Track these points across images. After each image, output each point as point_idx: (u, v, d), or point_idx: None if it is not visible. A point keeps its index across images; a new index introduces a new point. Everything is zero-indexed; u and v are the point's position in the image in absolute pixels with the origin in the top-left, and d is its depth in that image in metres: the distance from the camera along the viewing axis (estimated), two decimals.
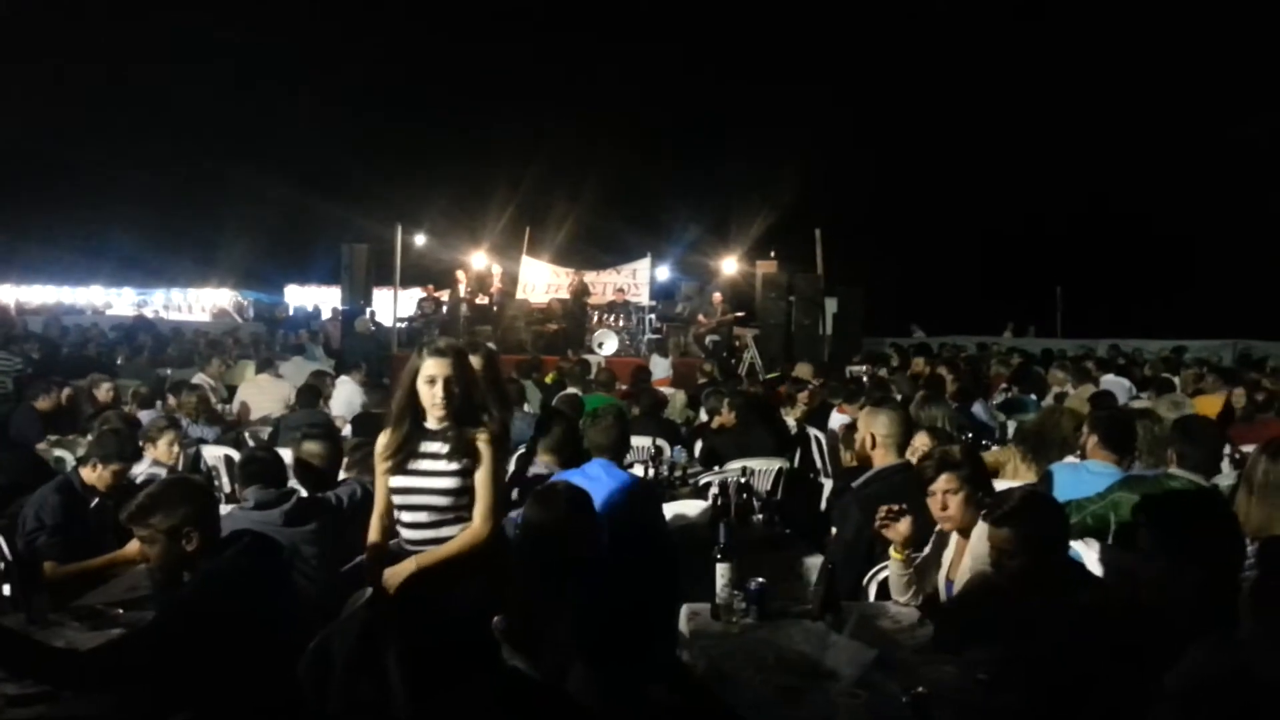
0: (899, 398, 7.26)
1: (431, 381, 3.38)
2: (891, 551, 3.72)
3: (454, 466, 3.36)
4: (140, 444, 5.45)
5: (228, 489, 6.72)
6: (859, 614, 3.43)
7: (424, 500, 3.39)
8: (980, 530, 3.42)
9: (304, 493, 4.43)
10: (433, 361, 3.40)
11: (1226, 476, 5.69)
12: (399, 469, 3.42)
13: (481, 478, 3.38)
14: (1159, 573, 2.51)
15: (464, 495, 3.38)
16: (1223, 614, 2.44)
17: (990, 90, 27.17)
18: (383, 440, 3.48)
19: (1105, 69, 26.73)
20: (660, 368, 14.11)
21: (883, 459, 4.53)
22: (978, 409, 8.58)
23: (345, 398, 9.55)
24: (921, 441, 4.53)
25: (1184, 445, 4.30)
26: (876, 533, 3.80)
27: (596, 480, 4.42)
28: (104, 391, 8.60)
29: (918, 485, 3.77)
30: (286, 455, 4.90)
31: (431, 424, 3.42)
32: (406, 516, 3.43)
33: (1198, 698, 1.94)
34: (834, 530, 4.35)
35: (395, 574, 3.31)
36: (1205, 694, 1.93)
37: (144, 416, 7.34)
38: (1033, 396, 9.92)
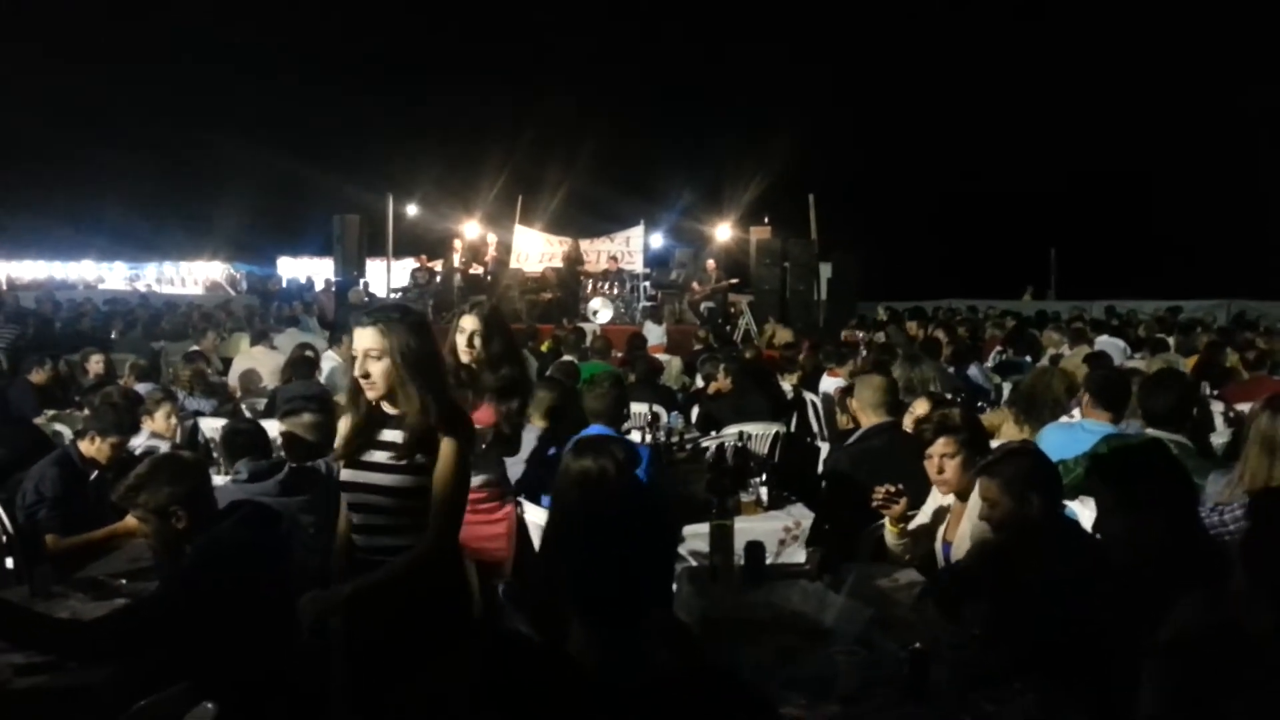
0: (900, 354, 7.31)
1: (358, 358, 2.91)
2: (887, 524, 3.77)
3: (403, 462, 2.85)
4: (138, 417, 5.46)
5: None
6: (856, 573, 3.46)
7: (368, 499, 2.91)
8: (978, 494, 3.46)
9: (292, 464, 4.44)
10: (359, 334, 2.92)
11: (1220, 434, 5.74)
12: (351, 461, 2.95)
13: (437, 480, 2.84)
14: (1122, 529, 2.56)
15: (416, 499, 2.86)
16: (1192, 563, 2.48)
17: (984, 53, 26.98)
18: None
19: (1099, 31, 26.56)
20: (655, 334, 14.12)
21: (867, 419, 4.63)
22: (973, 371, 8.61)
23: (328, 371, 9.53)
24: (922, 408, 4.57)
25: (1146, 398, 4.34)
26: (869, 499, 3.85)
27: None
28: (94, 364, 8.61)
29: (904, 444, 3.81)
30: (274, 428, 4.90)
31: (388, 408, 2.93)
32: (355, 518, 2.99)
33: (1188, 651, 1.97)
34: (824, 485, 4.42)
35: (321, 604, 2.82)
36: (1195, 647, 1.96)
37: (141, 389, 7.34)
38: (1028, 359, 9.96)
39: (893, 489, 3.71)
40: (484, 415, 3.86)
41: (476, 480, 3.47)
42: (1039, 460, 3.16)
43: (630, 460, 3.47)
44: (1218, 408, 6.56)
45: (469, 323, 3.95)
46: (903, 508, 3.71)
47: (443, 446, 2.83)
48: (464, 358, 3.93)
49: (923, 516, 3.86)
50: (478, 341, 3.90)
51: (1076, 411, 4.96)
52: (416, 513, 2.85)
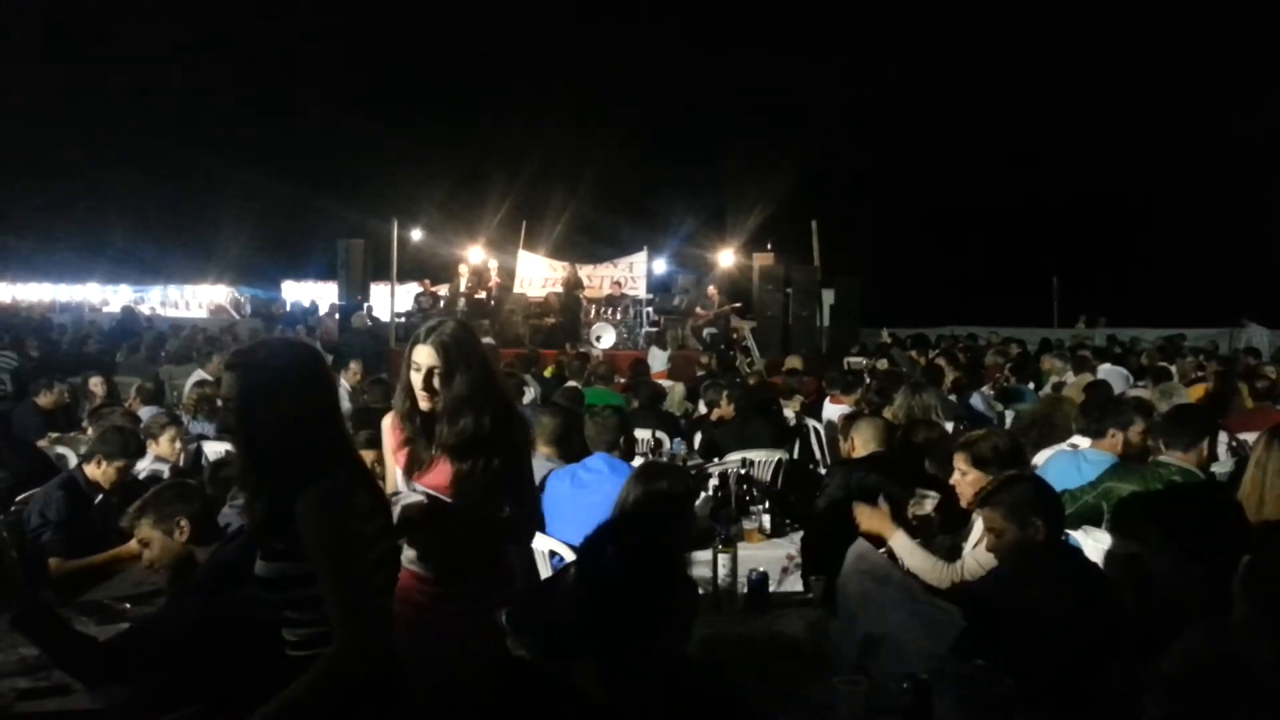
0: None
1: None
2: (890, 541, 3.78)
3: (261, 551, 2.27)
4: (143, 441, 5.47)
5: None
6: (860, 602, 3.45)
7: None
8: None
9: None
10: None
11: (1224, 464, 5.74)
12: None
13: (319, 567, 2.13)
14: (1167, 566, 2.57)
15: (286, 590, 2.21)
16: (1220, 600, 2.49)
17: (985, 80, 27.17)
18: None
19: (1099, 59, 26.75)
20: (658, 360, 14.14)
21: (865, 450, 4.72)
22: (975, 399, 8.63)
23: None
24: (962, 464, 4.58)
25: (1168, 431, 4.36)
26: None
27: (599, 474, 4.47)
28: (95, 385, 8.65)
29: (890, 468, 3.88)
30: None
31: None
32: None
33: (1189, 681, 1.97)
34: (817, 505, 4.47)
35: None
36: (1196, 678, 1.97)
37: (145, 413, 7.36)
38: (1030, 386, 9.97)
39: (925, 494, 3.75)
40: (436, 478, 2.86)
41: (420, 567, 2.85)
42: (1040, 486, 3.18)
43: (687, 483, 3.48)
44: (1221, 438, 6.56)
45: (424, 356, 2.82)
46: (927, 510, 3.75)
47: (306, 526, 2.13)
48: (422, 404, 2.83)
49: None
50: (437, 381, 2.80)
51: (1078, 439, 4.97)
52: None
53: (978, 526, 3.73)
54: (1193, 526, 2.58)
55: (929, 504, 3.70)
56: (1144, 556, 2.77)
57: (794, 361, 11.92)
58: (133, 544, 4.05)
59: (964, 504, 3.75)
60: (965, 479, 3.70)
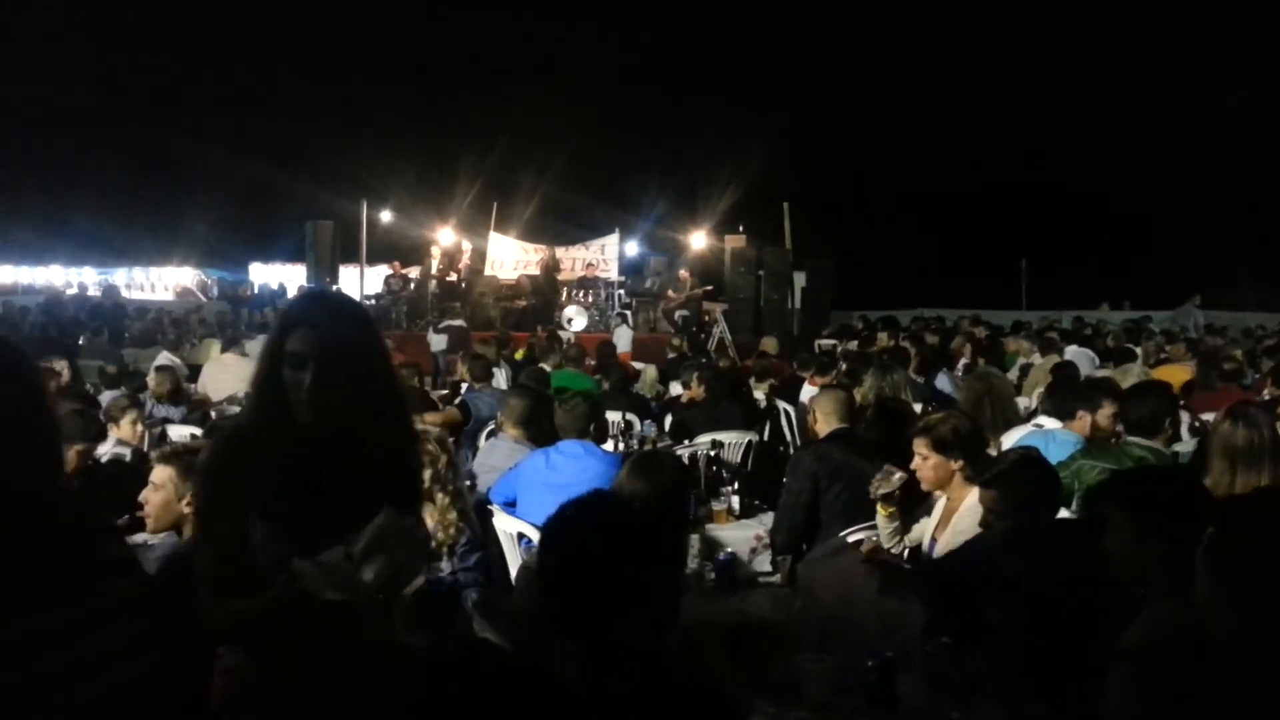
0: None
1: None
2: (879, 508, 3.80)
3: None
4: (104, 424, 5.39)
5: None
6: (828, 579, 3.47)
7: None
8: (970, 502, 3.50)
9: None
10: None
11: (1186, 444, 5.80)
12: None
13: None
14: (1126, 547, 2.58)
15: None
16: (1179, 582, 2.52)
17: (954, 64, 27.28)
18: None
19: (1067, 47, 26.93)
20: (623, 340, 14.12)
21: (829, 427, 4.68)
22: (943, 380, 8.67)
23: None
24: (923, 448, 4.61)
25: (1128, 407, 4.40)
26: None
27: (575, 458, 4.45)
28: (60, 367, 8.49)
29: (862, 448, 3.89)
30: None
31: None
32: None
33: (1152, 656, 1.99)
34: (784, 482, 4.47)
35: None
36: (1159, 652, 1.98)
37: (108, 396, 7.25)
38: (994, 370, 10.02)
39: (890, 470, 3.73)
40: None
41: None
42: (1046, 473, 3.19)
43: (682, 470, 3.44)
44: (1184, 417, 6.63)
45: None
46: (894, 485, 3.73)
47: None
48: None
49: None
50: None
51: (1044, 419, 5.01)
52: None
53: (938, 508, 3.75)
54: (1154, 504, 2.60)
55: (895, 479, 3.70)
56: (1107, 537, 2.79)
57: (768, 344, 11.95)
58: None
59: (925, 488, 3.75)
60: (926, 463, 3.68)
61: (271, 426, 2.11)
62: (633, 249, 21.18)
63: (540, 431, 5.04)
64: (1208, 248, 23.62)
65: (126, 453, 5.28)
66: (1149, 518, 2.55)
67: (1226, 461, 3.47)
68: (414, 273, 18.68)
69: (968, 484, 3.59)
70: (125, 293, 26.91)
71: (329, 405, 2.06)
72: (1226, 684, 1.86)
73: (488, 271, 18.63)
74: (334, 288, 17.71)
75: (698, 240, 19.85)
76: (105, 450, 5.22)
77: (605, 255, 19.05)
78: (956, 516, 3.59)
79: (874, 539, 3.79)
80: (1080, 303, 20.32)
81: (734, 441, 6.61)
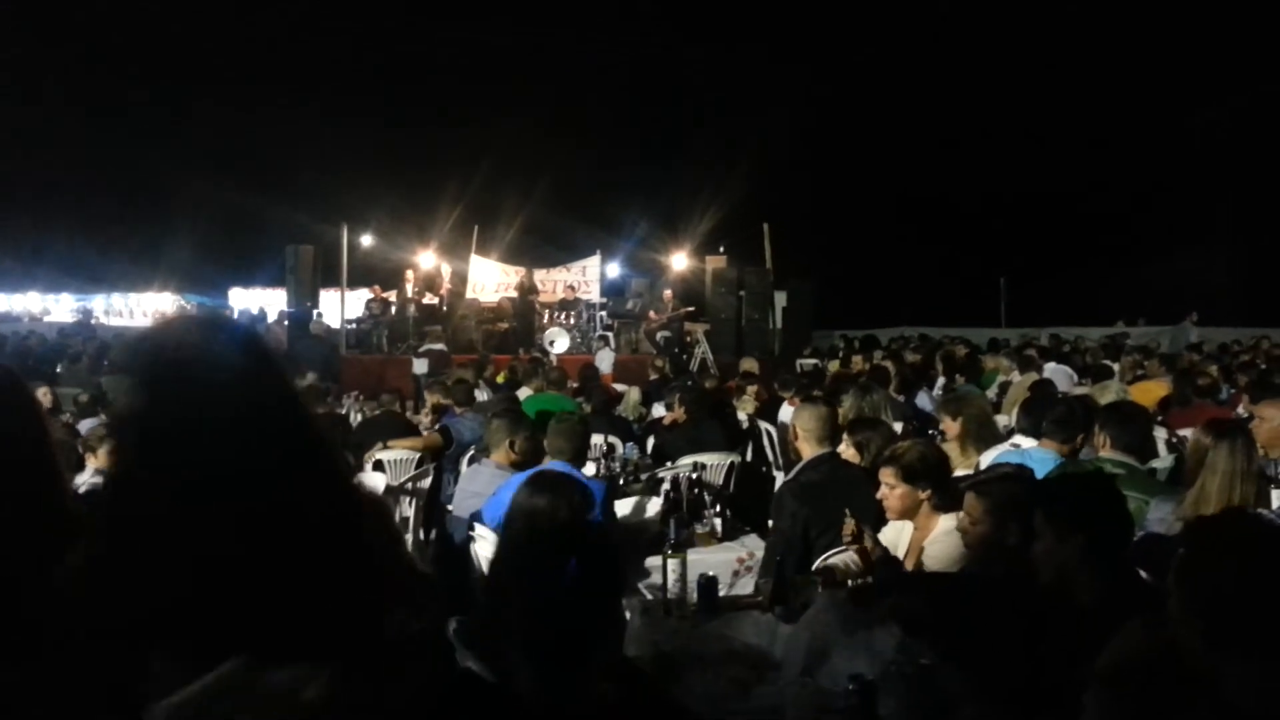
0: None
1: None
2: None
3: None
4: (81, 453, 5.35)
5: None
6: (808, 604, 3.47)
7: None
8: (939, 531, 3.51)
9: None
10: None
11: (1163, 460, 5.85)
12: None
13: None
14: (1051, 547, 2.66)
15: None
16: (1114, 586, 2.57)
17: (934, 85, 27.55)
18: None
19: (1049, 63, 27.24)
20: (605, 362, 14.13)
21: (808, 451, 4.64)
22: (922, 399, 8.72)
23: None
24: (846, 449, 4.61)
25: (1114, 428, 4.44)
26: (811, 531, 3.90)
27: None
28: (42, 394, 8.41)
29: (844, 475, 3.88)
30: None
31: None
32: None
33: (1126, 678, 2.00)
34: (770, 524, 4.43)
35: None
36: (1133, 674, 2.00)
37: (86, 425, 7.19)
38: (974, 388, 10.08)
39: (854, 529, 3.71)
40: None
41: None
42: (1028, 490, 3.21)
43: (585, 503, 3.43)
44: (1160, 433, 6.69)
45: None
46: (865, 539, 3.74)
47: None
48: None
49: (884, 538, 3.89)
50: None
51: (1020, 438, 5.04)
52: None
53: (904, 539, 3.75)
54: (1072, 506, 2.68)
55: (849, 525, 3.73)
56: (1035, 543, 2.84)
57: (749, 364, 12.00)
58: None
59: (891, 517, 3.75)
60: (894, 493, 3.66)
61: None
62: (614, 270, 21.24)
63: (523, 455, 5.03)
64: (1196, 263, 23.88)
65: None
66: (1069, 519, 2.63)
67: (1206, 478, 3.53)
68: (394, 296, 18.66)
69: (936, 513, 3.60)
70: (104, 319, 26.74)
71: None
72: (1199, 705, 1.87)
73: (469, 294, 18.63)
74: (315, 312, 17.66)
75: (679, 261, 19.93)
76: (83, 480, 5.17)
77: (587, 277, 19.10)
78: (928, 543, 3.59)
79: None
80: (1059, 319, 20.50)
81: (716, 463, 6.61)
